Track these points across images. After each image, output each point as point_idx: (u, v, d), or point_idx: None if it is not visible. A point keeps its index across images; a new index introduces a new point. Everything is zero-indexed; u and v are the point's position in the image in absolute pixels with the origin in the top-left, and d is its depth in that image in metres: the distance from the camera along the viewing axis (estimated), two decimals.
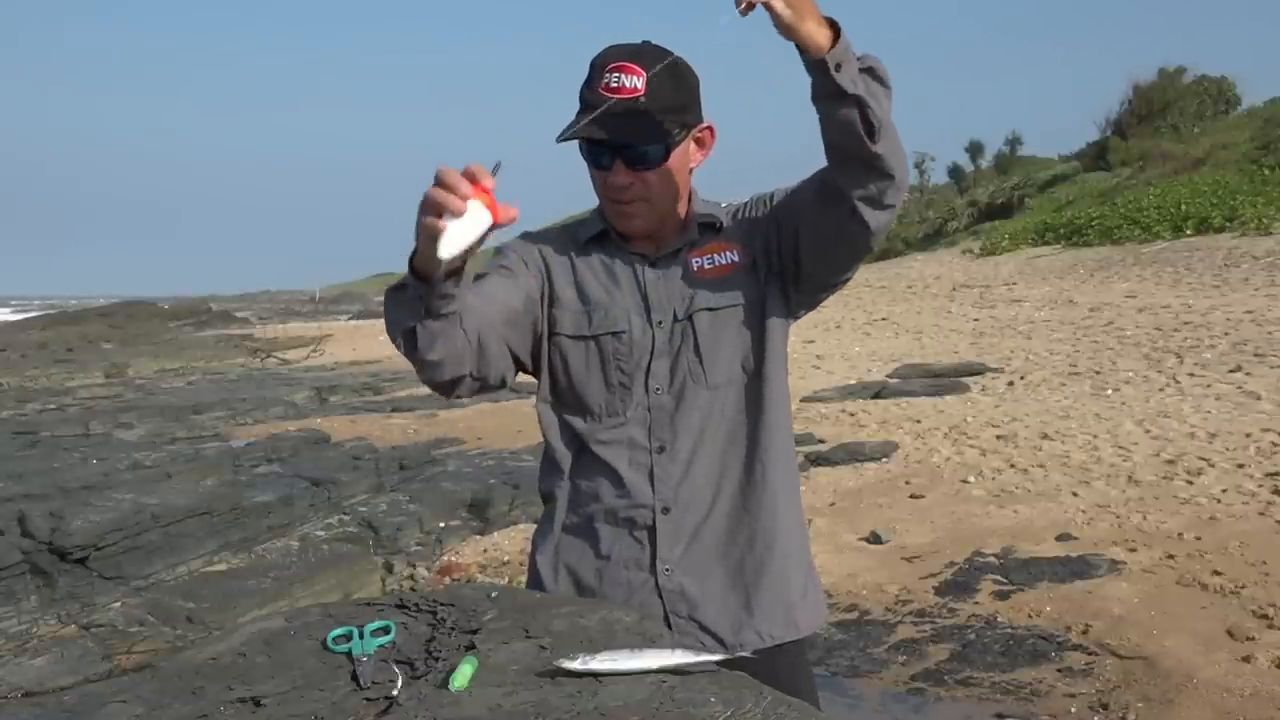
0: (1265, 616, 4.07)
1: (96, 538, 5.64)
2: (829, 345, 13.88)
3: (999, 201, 29.94)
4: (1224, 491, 5.76)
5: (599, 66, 1.60)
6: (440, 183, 1.31)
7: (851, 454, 7.37)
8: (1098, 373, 9.86)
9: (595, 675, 1.15)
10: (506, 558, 5.90)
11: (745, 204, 1.75)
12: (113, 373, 19.43)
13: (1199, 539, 5.02)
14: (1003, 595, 4.61)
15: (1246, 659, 3.73)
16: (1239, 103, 30.60)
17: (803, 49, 1.40)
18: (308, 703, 1.14)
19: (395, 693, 1.13)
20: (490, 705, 1.10)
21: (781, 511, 1.69)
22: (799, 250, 1.64)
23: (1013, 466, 6.74)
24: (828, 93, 1.43)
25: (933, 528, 5.66)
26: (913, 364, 11.31)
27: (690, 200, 1.72)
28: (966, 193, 34.55)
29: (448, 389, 1.55)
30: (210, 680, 1.22)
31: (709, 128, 1.69)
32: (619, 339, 1.65)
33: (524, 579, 1.83)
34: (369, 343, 23.52)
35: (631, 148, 1.60)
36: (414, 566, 6.06)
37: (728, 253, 1.69)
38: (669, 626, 1.62)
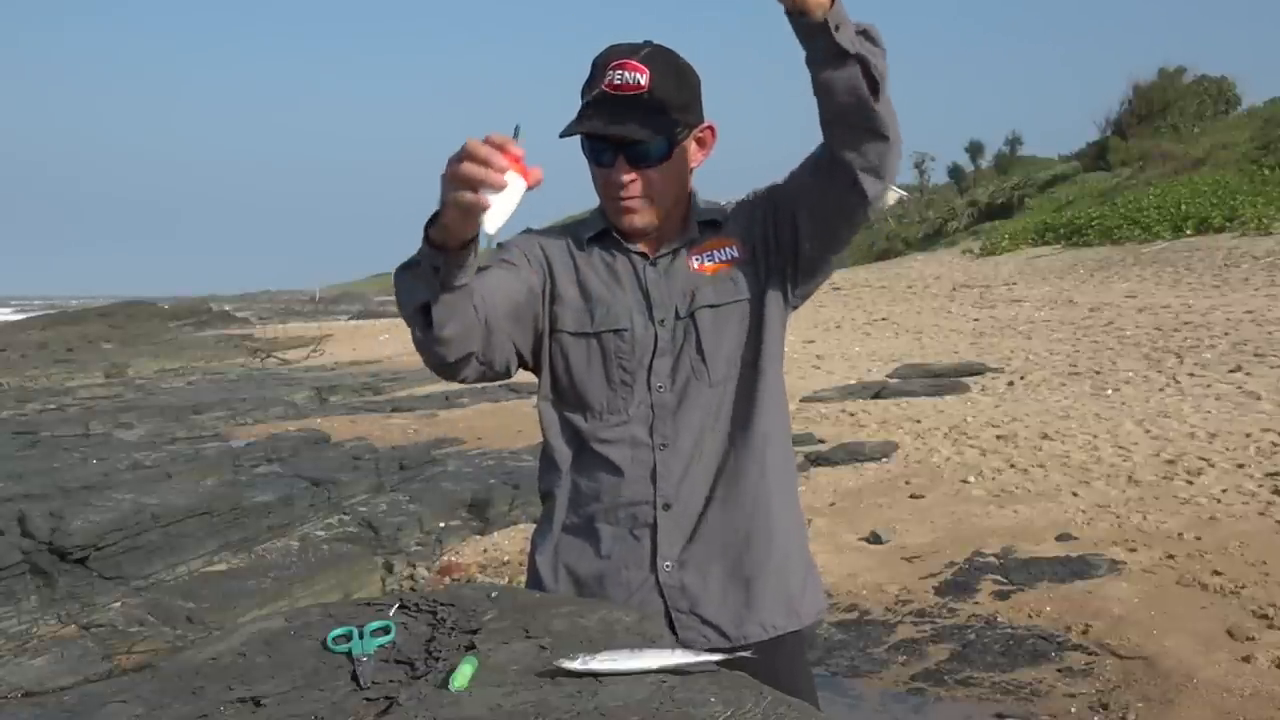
0: (1265, 616, 4.07)
1: (96, 538, 5.64)
2: (829, 345, 13.87)
3: (999, 201, 29.95)
4: (1224, 491, 5.76)
5: (601, 65, 1.61)
6: (473, 157, 1.31)
7: (851, 454, 7.37)
8: (1098, 373, 9.86)
9: (595, 675, 1.15)
10: (506, 558, 5.90)
11: (741, 201, 1.76)
12: (113, 373, 19.43)
13: (1199, 539, 5.02)
14: (1003, 595, 4.61)
15: (1246, 659, 3.73)
16: (1239, 103, 30.63)
17: (802, 11, 1.40)
18: (308, 703, 1.14)
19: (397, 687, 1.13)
20: (490, 705, 1.10)
21: (780, 503, 1.70)
22: (799, 233, 1.65)
23: (1013, 466, 6.74)
24: (830, 55, 1.43)
25: (933, 528, 5.66)
26: (913, 364, 11.31)
27: (691, 199, 1.73)
28: (966, 193, 34.57)
29: (455, 370, 1.55)
30: (210, 680, 1.22)
31: (710, 127, 1.71)
32: (621, 336, 1.66)
33: (524, 579, 1.83)
34: (369, 343, 23.52)
35: (634, 144, 1.61)
36: (414, 566, 6.06)
37: (727, 249, 1.69)
38: (670, 623, 1.63)
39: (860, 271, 25.76)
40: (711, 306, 1.66)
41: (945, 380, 10.13)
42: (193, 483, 6.93)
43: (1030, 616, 4.37)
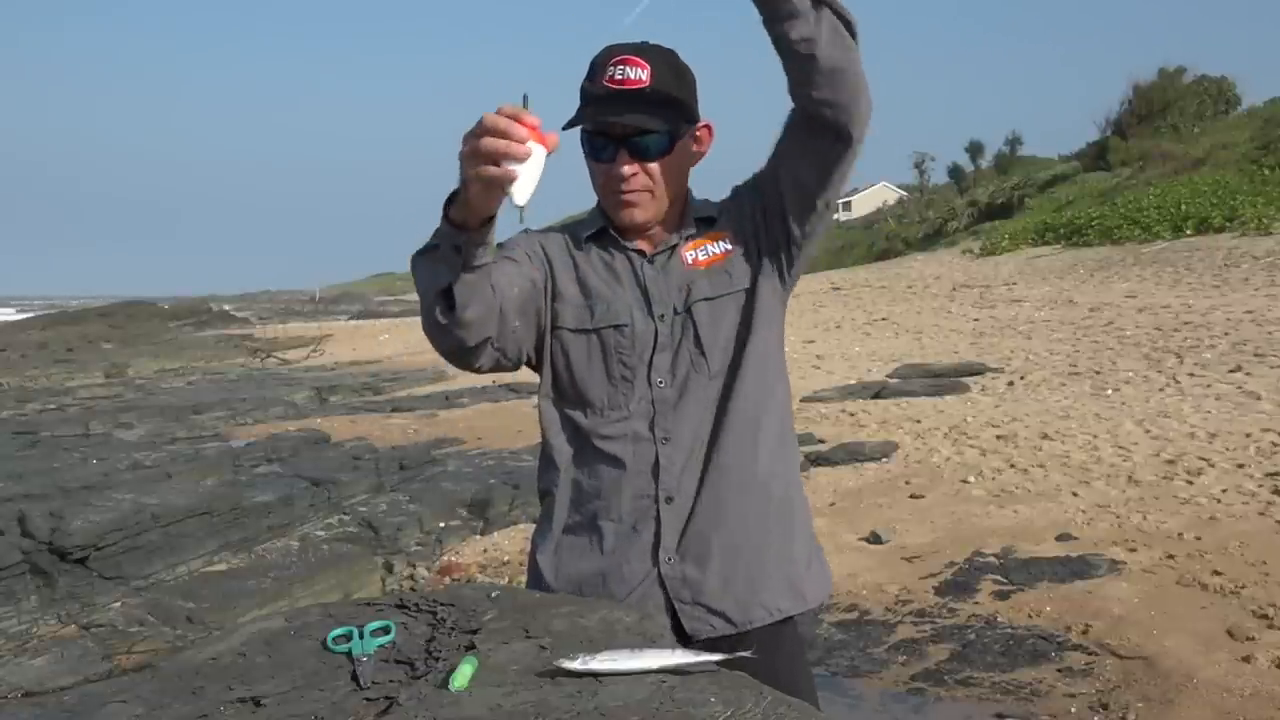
0: (1265, 616, 4.07)
1: (96, 538, 5.64)
2: (829, 345, 13.88)
3: (999, 201, 29.98)
4: (1224, 491, 5.76)
5: (602, 62, 1.63)
6: (493, 130, 1.31)
7: (851, 454, 7.37)
8: (1098, 373, 9.86)
9: (595, 675, 1.15)
10: (506, 558, 5.90)
11: (731, 195, 1.77)
12: (113, 373, 19.43)
13: (1199, 539, 5.02)
14: (1003, 595, 4.61)
15: (1246, 659, 3.72)
16: (1239, 103, 30.65)
17: None
18: (308, 703, 1.14)
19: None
20: (490, 705, 1.10)
21: (782, 487, 1.71)
22: (785, 205, 1.66)
23: (1013, 466, 6.74)
24: (803, 8, 1.46)
25: (933, 528, 5.66)
26: (913, 364, 11.31)
27: (687, 198, 1.75)
28: (966, 193, 34.58)
29: (472, 356, 1.55)
30: (210, 680, 1.22)
31: (707, 126, 1.73)
32: (621, 332, 1.67)
33: (524, 579, 1.83)
34: (369, 343, 23.53)
35: (636, 138, 1.62)
36: (414, 566, 6.06)
37: (721, 241, 1.71)
38: (675, 614, 1.63)
39: (860, 271, 25.78)
40: (708, 299, 1.68)
41: (945, 380, 10.14)
42: (193, 483, 6.93)
43: (1030, 616, 4.37)
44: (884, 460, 7.26)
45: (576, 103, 1.65)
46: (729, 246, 1.70)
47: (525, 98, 1.34)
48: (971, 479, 6.54)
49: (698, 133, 1.71)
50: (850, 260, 31.91)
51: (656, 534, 1.65)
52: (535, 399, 1.74)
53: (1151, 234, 19.58)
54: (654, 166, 1.64)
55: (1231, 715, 3.39)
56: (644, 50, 1.63)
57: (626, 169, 1.63)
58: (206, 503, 6.35)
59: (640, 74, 1.60)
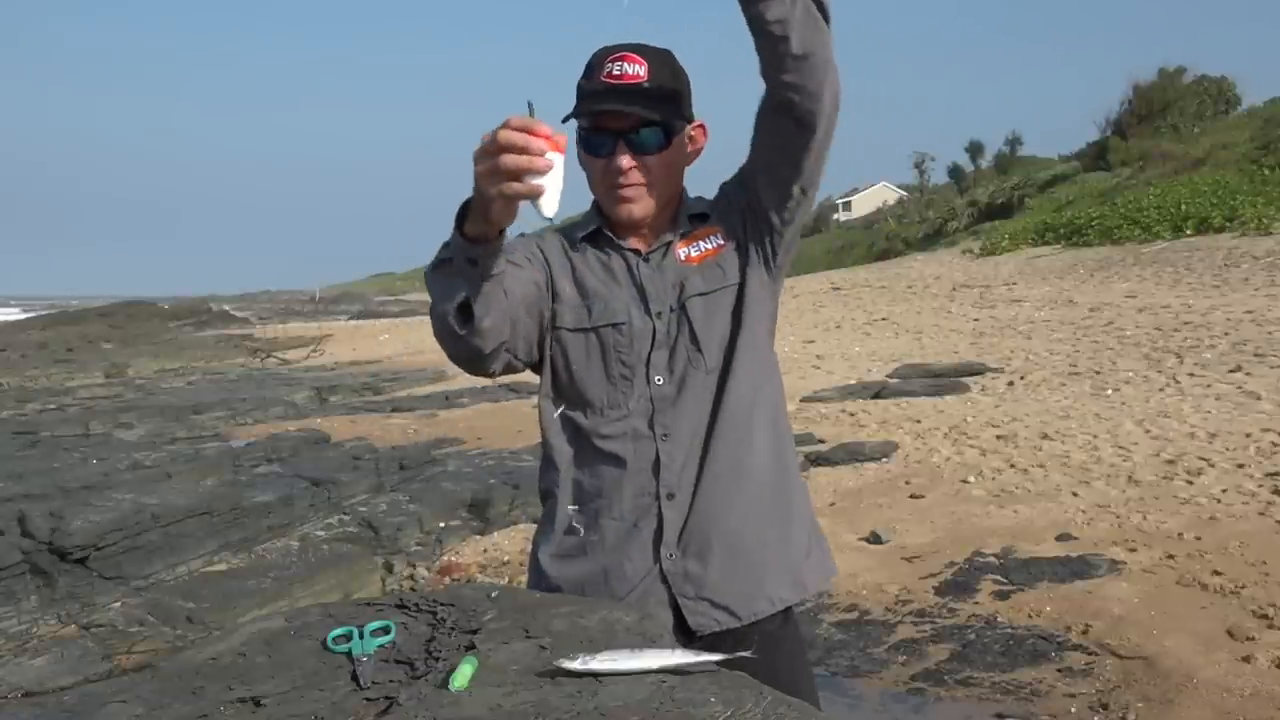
0: (1265, 616, 4.07)
1: (96, 538, 5.64)
2: (829, 345, 13.88)
3: (999, 201, 29.98)
4: (1224, 491, 5.76)
5: (599, 60, 1.65)
6: (511, 147, 1.30)
7: (851, 454, 7.37)
8: (1098, 373, 9.86)
9: (595, 675, 1.15)
10: (506, 558, 5.90)
11: (719, 193, 1.79)
12: (113, 373, 19.43)
13: (1199, 539, 5.02)
14: (1003, 595, 4.61)
15: (1246, 659, 3.72)
16: (1239, 103, 30.66)
17: None
18: (308, 703, 1.14)
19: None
20: (490, 705, 1.10)
21: (779, 477, 1.72)
22: (761, 194, 1.68)
23: (1013, 466, 6.74)
24: None
25: (933, 528, 5.66)
26: (913, 364, 11.31)
27: (682, 196, 1.76)
28: (966, 193, 34.59)
29: (488, 362, 1.56)
30: (210, 680, 1.22)
31: (701, 125, 1.75)
32: (619, 330, 1.67)
33: (524, 579, 1.84)
34: (369, 343, 23.53)
35: (633, 134, 1.64)
36: (414, 566, 6.06)
37: (712, 237, 1.73)
38: (677, 610, 1.63)
39: (860, 271, 25.77)
40: (701, 294, 1.69)
41: (945, 380, 10.14)
42: (193, 483, 6.93)
43: (1030, 616, 4.37)
44: (884, 460, 7.26)
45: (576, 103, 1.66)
46: (721, 241, 1.72)
47: (530, 106, 1.34)
48: (971, 479, 6.54)
49: (692, 132, 1.73)
50: (850, 260, 31.94)
51: (658, 530, 1.65)
52: (535, 399, 1.75)
53: (1151, 234, 19.58)
54: (651, 161, 1.66)
55: (1231, 715, 3.39)
56: (641, 49, 1.65)
57: (624, 162, 1.64)
58: (206, 503, 6.35)
59: (638, 70, 1.62)
